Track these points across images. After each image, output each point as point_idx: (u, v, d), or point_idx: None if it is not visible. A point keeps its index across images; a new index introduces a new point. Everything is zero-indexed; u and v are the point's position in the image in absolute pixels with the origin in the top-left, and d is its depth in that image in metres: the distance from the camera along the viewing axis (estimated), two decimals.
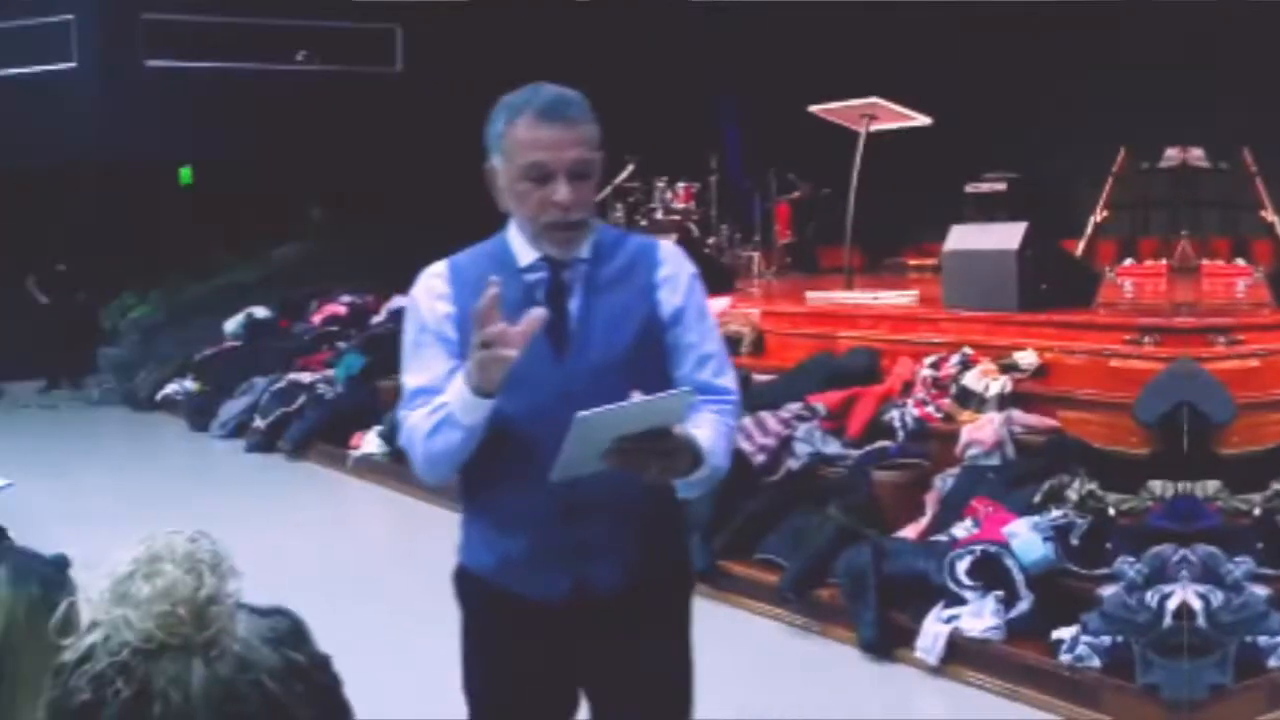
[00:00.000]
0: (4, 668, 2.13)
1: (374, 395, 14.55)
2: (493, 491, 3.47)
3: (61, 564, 7.16)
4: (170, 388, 19.24)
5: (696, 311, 3.54)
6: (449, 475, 3.47)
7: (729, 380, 3.57)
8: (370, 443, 13.46)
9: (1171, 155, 10.53)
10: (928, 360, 9.44)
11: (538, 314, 3.17)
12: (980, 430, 8.39)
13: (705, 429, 3.35)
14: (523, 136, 3.32)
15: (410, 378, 3.51)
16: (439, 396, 3.34)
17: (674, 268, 3.54)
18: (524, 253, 3.47)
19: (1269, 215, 11.62)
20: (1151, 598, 6.35)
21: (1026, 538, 7.06)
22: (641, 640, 3.51)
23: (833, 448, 9.24)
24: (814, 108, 12.88)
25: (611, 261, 3.50)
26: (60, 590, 2.22)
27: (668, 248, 3.61)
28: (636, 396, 3.06)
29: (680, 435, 3.18)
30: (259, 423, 15.67)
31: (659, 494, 3.43)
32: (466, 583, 3.62)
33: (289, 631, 1.96)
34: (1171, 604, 6.29)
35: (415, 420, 3.40)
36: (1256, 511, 7.06)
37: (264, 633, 1.91)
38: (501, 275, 3.38)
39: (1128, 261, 13.05)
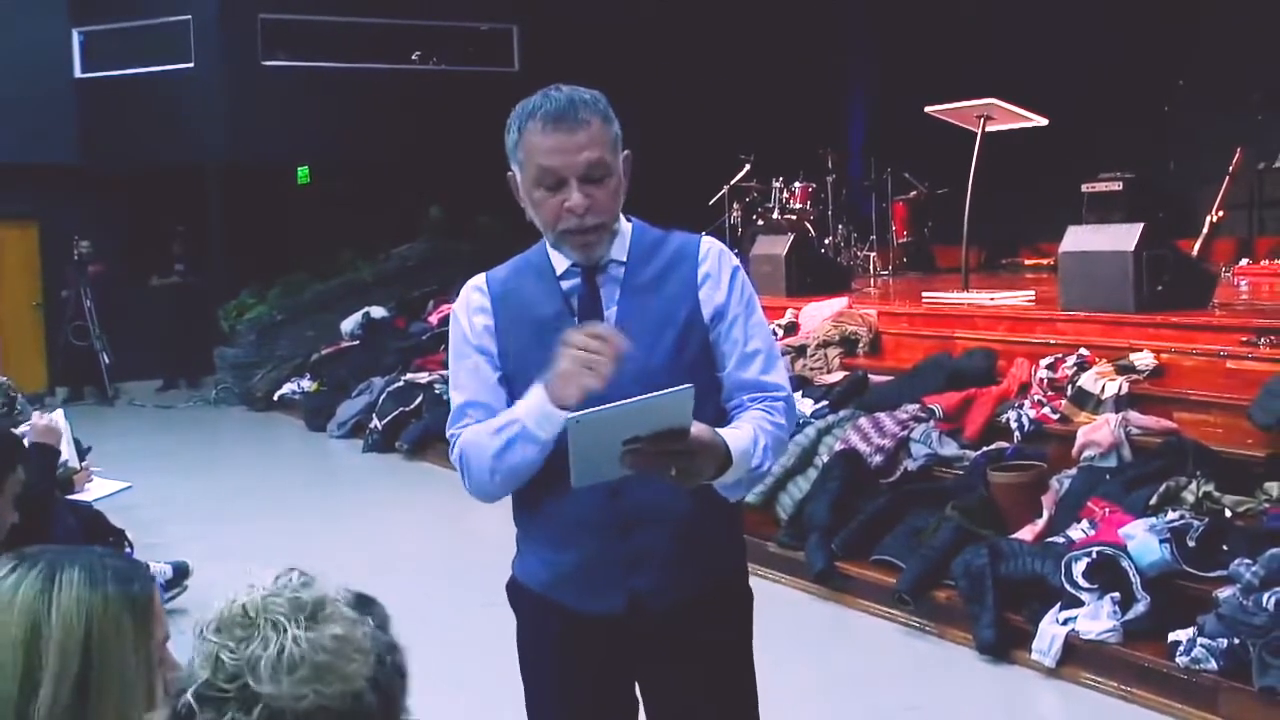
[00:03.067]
0: (91, 660, 2.21)
1: None
2: (546, 505, 3.37)
3: (182, 569, 7.29)
4: (287, 387, 19.57)
5: (741, 307, 3.42)
6: (510, 492, 3.42)
7: (778, 376, 3.45)
8: None
9: None
10: (1044, 361, 9.43)
11: (621, 340, 3.10)
12: (1097, 431, 8.38)
13: (743, 428, 3.27)
14: (533, 143, 3.24)
15: (457, 393, 3.45)
16: (505, 414, 3.28)
17: (715, 264, 3.42)
18: (560, 260, 3.40)
19: None
20: (1268, 600, 6.33)
21: (1143, 539, 7.03)
22: (700, 655, 3.45)
23: (949, 449, 9.28)
24: (930, 108, 12.87)
25: (650, 263, 3.40)
26: (134, 582, 2.32)
27: (709, 244, 3.47)
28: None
29: (700, 435, 3.06)
30: (376, 423, 15.74)
31: (713, 505, 3.35)
32: (519, 595, 3.56)
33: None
34: None
35: (474, 437, 3.34)
36: None
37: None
38: (539, 284, 3.40)
39: (1244, 261, 13.01)
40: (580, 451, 2.95)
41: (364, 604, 2.10)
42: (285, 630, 1.94)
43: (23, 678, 2.18)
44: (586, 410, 2.92)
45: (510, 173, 3.39)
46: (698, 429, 3.05)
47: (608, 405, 2.94)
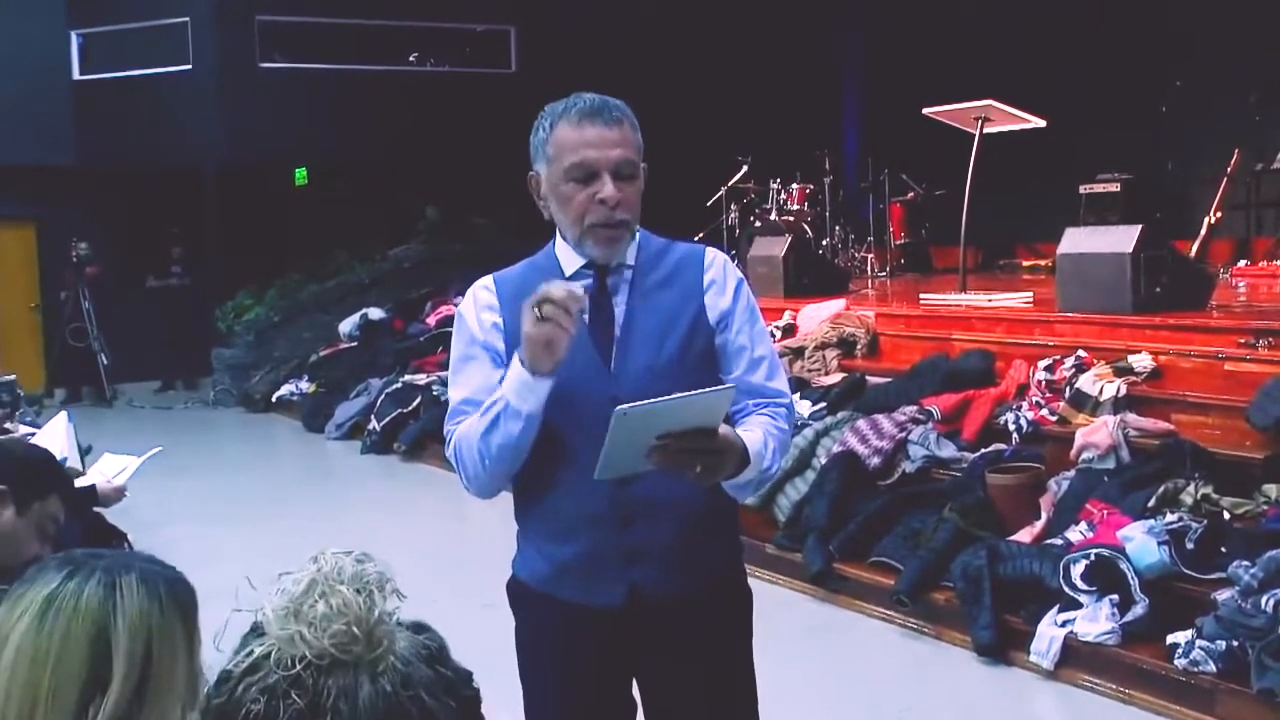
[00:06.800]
0: (151, 666, 2.21)
1: None
2: (546, 499, 3.42)
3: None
4: (285, 388, 19.51)
5: (746, 314, 3.49)
6: (504, 481, 3.43)
7: (781, 383, 3.53)
8: None
9: None
10: (1042, 363, 9.43)
11: (579, 290, 3.14)
12: (1095, 433, 8.37)
13: (754, 431, 3.31)
14: (567, 137, 3.31)
15: (457, 390, 3.47)
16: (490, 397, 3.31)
17: (720, 272, 3.49)
18: (569, 261, 3.43)
19: None
20: (1267, 602, 6.33)
21: (1141, 541, 7.03)
22: (700, 655, 3.47)
23: (947, 450, 9.27)
24: (928, 110, 12.86)
25: (657, 267, 3.46)
26: (181, 588, 2.33)
27: (714, 253, 3.54)
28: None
29: (726, 435, 3.13)
30: (374, 424, 15.72)
31: (713, 498, 3.39)
32: (519, 593, 3.57)
33: (439, 648, 2.10)
34: None
35: (466, 428, 3.36)
36: None
37: (419, 649, 2.05)
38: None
39: (1242, 263, 13.01)
40: (615, 444, 2.98)
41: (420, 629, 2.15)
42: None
43: (84, 683, 2.19)
44: (634, 404, 2.95)
45: (532, 173, 3.44)
46: (723, 430, 3.12)
47: (654, 400, 2.98)
